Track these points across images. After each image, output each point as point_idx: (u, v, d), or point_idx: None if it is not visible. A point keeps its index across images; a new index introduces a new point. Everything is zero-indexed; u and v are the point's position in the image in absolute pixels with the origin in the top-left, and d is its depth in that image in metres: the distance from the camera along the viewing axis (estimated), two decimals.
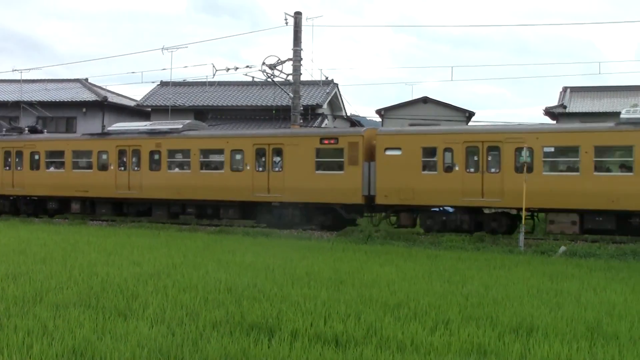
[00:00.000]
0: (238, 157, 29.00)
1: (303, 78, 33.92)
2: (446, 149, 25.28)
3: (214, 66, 43.96)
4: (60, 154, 32.87)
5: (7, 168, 33.88)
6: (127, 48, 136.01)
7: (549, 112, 47.36)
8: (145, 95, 47.43)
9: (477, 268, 15.61)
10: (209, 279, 12.47)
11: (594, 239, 24.05)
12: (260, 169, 28.26)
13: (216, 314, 9.00)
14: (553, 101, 50.68)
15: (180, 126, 30.87)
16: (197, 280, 12.26)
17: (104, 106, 46.42)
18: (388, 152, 26.12)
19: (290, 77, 33.19)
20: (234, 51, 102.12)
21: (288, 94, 33.70)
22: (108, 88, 50.59)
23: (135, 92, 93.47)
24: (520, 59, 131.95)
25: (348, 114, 50.38)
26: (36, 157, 33.36)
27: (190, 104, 45.55)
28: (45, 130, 38.91)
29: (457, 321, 8.92)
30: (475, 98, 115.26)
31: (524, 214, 23.02)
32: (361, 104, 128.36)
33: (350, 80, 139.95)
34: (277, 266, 14.70)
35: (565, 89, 49.81)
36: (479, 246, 22.21)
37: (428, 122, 40.17)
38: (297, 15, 32.38)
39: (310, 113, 41.57)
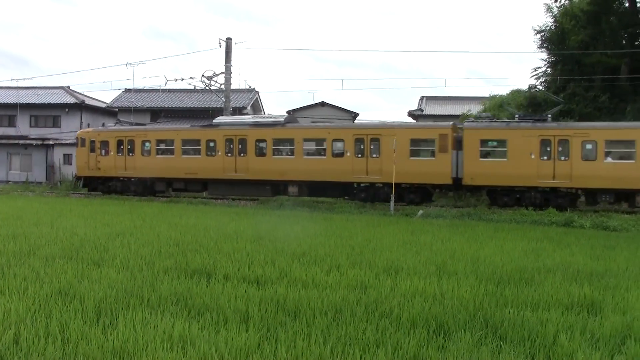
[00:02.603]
0: None
1: (232, 87, 33.59)
2: None
3: (165, 77, 43.42)
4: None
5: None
6: (99, 63, 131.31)
7: (411, 114, 48.50)
8: (113, 100, 47.00)
9: (360, 227, 15.82)
10: (162, 236, 12.25)
11: (442, 205, 24.82)
12: None
13: (167, 263, 8.87)
14: (414, 106, 51.85)
15: None
16: (153, 237, 12.03)
17: (82, 107, 45.76)
18: None
19: (222, 86, 32.86)
20: (177, 67, 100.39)
21: (221, 99, 33.39)
22: (85, 94, 49.47)
23: (106, 96, 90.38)
24: (387, 74, 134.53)
25: (266, 114, 50.32)
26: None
27: (148, 106, 44.94)
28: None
29: (345, 265, 9.02)
30: (359, 103, 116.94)
31: (394, 187, 23.44)
32: (275, 106, 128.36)
33: (267, 88, 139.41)
34: (212, 227, 14.56)
35: (422, 97, 51.10)
36: (362, 211, 22.55)
37: (325, 120, 40.45)
38: (228, 40, 32.08)
39: (238, 113, 41.33)
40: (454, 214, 21.02)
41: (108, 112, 47.39)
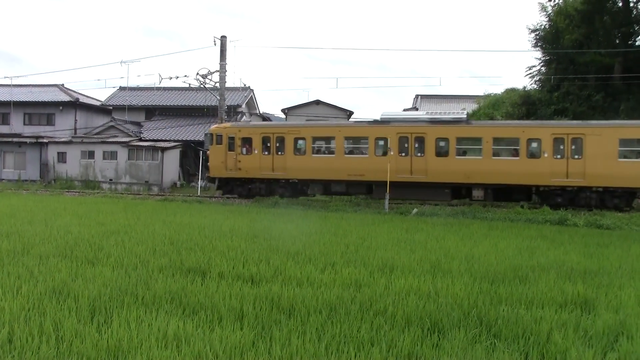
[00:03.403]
0: None
1: (227, 85, 33.50)
2: None
3: (160, 75, 43.30)
4: None
5: None
6: (93, 61, 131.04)
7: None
8: (108, 97, 46.99)
9: (355, 225, 15.81)
10: (156, 234, 12.23)
11: (436, 203, 24.82)
12: None
13: (162, 261, 8.86)
14: (408, 104, 51.97)
15: None
16: (147, 235, 12.01)
17: (77, 105, 45.74)
18: None
19: (217, 84, 32.77)
20: (171, 65, 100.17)
21: (216, 97, 33.28)
22: (79, 92, 49.27)
23: (100, 94, 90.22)
24: (382, 73, 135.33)
25: (261, 112, 50.34)
26: None
27: (143, 104, 44.85)
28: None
29: (340, 263, 9.04)
30: (353, 101, 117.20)
31: (388, 184, 23.46)
32: (270, 104, 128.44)
33: (262, 86, 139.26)
34: (207, 225, 14.54)
35: (417, 95, 51.20)
36: (356, 209, 22.56)
37: (320, 118, 40.38)
38: (223, 38, 31.94)
39: (233, 112, 41.27)
40: (448, 212, 21.05)
41: (102, 110, 47.26)
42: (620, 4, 33.46)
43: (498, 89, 40.83)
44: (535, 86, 36.70)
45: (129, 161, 37.13)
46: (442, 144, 24.10)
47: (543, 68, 36.69)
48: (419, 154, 24.31)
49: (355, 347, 5.01)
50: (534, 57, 37.40)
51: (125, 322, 5.46)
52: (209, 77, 32.66)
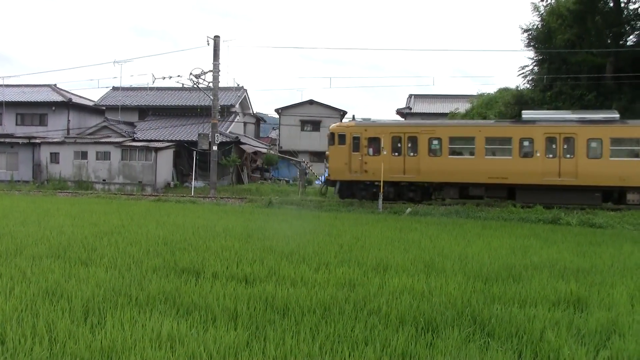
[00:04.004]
0: None
1: (220, 85, 33.45)
2: None
3: (153, 75, 43.27)
4: None
5: None
6: (86, 61, 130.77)
7: (399, 112, 48.65)
8: (101, 98, 46.87)
9: (348, 224, 15.82)
10: (150, 235, 12.19)
11: (429, 203, 24.87)
12: None
13: (156, 261, 8.82)
14: (402, 104, 52.08)
15: None
16: (141, 236, 11.96)
17: (69, 106, 45.59)
18: None
19: (210, 84, 32.70)
20: (164, 65, 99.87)
21: (209, 97, 33.19)
22: (72, 92, 49.01)
23: (93, 94, 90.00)
24: (375, 73, 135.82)
25: (254, 112, 50.36)
26: None
27: (136, 104, 44.77)
28: None
29: (334, 263, 9.02)
30: (347, 101, 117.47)
31: (382, 184, 23.49)
32: (264, 104, 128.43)
33: (255, 86, 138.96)
34: (201, 225, 14.51)
35: (410, 95, 51.27)
36: (350, 209, 22.56)
37: (315, 118, 40.36)
38: (216, 38, 31.87)
39: (226, 111, 41.25)
40: (441, 211, 21.10)
41: (95, 110, 47.17)
42: (612, 4, 33.62)
43: (491, 89, 41.22)
44: (528, 86, 36.87)
45: (122, 161, 37.04)
46: (594, 144, 23.02)
47: (536, 68, 36.85)
48: (568, 156, 23.23)
49: (349, 346, 5.00)
50: (527, 57, 37.92)
51: (119, 322, 5.44)
52: (202, 77, 32.61)
